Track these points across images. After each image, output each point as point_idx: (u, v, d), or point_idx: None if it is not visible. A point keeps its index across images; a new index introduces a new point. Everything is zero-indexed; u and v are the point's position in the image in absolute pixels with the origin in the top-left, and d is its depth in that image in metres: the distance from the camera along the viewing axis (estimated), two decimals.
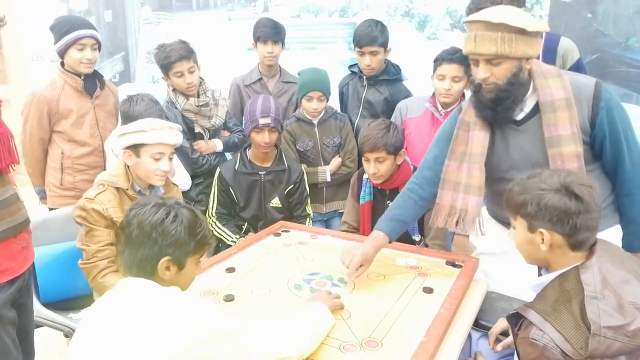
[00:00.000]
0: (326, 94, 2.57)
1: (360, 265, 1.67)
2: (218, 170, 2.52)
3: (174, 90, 2.58)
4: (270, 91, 2.86)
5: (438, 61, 2.34)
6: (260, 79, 2.89)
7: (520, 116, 1.67)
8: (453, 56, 2.30)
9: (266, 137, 2.38)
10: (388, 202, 2.21)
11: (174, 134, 1.96)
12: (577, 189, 1.22)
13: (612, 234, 1.65)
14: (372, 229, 2.20)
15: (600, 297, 1.15)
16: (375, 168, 2.11)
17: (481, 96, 1.64)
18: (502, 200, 1.43)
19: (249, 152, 2.52)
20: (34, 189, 2.72)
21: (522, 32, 1.49)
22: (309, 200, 2.60)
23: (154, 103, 2.31)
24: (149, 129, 1.89)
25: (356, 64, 2.76)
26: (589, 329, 1.12)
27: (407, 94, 2.66)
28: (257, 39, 2.82)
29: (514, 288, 1.75)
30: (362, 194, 2.27)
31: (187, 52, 2.51)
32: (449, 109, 2.37)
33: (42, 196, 2.71)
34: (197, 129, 2.64)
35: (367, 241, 1.77)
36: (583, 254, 1.26)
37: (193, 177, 2.58)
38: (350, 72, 2.81)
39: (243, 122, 2.56)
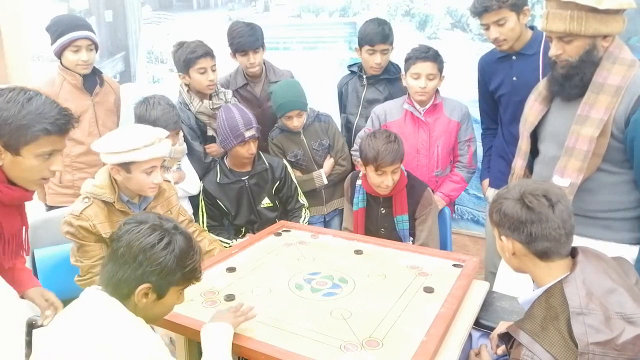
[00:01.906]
0: (304, 109, 2.53)
1: None
2: (201, 185, 2.46)
3: (188, 90, 2.55)
4: (257, 96, 2.77)
5: (411, 60, 2.34)
6: (247, 83, 2.76)
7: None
8: (427, 54, 2.31)
9: (252, 148, 2.36)
10: (382, 209, 2.20)
11: (164, 146, 1.88)
12: (527, 199, 1.23)
13: (622, 252, 1.58)
14: (368, 236, 2.20)
15: (586, 312, 1.13)
16: (389, 180, 2.07)
17: (555, 72, 1.67)
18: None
19: (227, 161, 2.47)
20: None
21: (593, 10, 1.48)
22: (299, 190, 2.58)
23: (170, 107, 2.27)
24: (141, 146, 1.78)
25: (356, 63, 2.75)
26: (577, 346, 1.10)
27: (405, 93, 2.65)
28: (234, 50, 2.65)
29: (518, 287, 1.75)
30: (355, 200, 2.25)
31: (211, 50, 2.52)
32: (426, 106, 2.39)
33: None
34: (210, 132, 2.61)
35: None
36: (563, 265, 1.25)
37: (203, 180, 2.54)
38: (349, 72, 2.79)
39: (220, 137, 2.42)
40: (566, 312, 1.16)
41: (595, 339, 1.09)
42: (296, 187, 2.56)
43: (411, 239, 2.20)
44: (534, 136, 1.86)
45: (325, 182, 2.62)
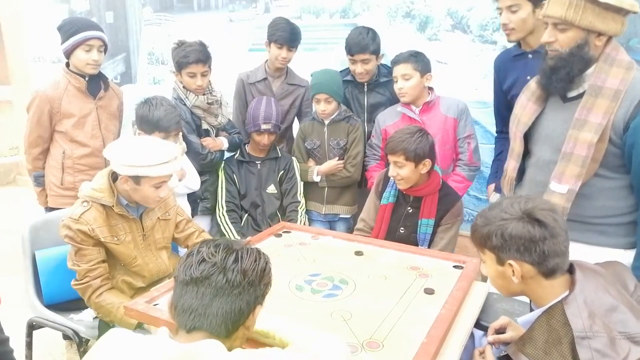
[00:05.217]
0: (334, 96, 2.57)
1: None
2: (223, 162, 2.67)
3: (184, 87, 2.61)
4: (273, 92, 2.86)
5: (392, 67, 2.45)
6: (265, 78, 2.88)
7: (573, 94, 1.64)
8: (399, 57, 2.41)
9: (265, 139, 2.63)
10: (409, 208, 2.19)
11: (178, 162, 1.86)
12: (539, 215, 1.17)
13: (616, 256, 1.54)
14: (387, 232, 2.18)
15: (590, 336, 1.09)
16: (395, 171, 2.10)
17: (544, 64, 1.65)
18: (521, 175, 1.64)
19: (248, 146, 2.75)
20: (31, 176, 2.68)
21: (592, 1, 1.47)
22: (300, 189, 2.72)
23: (172, 108, 2.30)
24: (157, 164, 1.75)
25: (345, 69, 2.75)
26: None
27: None
28: (273, 40, 2.75)
29: None
30: (385, 193, 2.24)
31: (204, 56, 2.56)
32: (420, 106, 2.43)
33: (38, 183, 2.65)
34: (205, 126, 2.69)
35: None
36: (562, 282, 1.21)
37: (199, 174, 2.61)
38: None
39: (245, 120, 2.68)
40: (569, 335, 1.11)
41: None
42: (296, 183, 2.72)
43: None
44: (526, 137, 1.82)
45: (316, 179, 2.70)
